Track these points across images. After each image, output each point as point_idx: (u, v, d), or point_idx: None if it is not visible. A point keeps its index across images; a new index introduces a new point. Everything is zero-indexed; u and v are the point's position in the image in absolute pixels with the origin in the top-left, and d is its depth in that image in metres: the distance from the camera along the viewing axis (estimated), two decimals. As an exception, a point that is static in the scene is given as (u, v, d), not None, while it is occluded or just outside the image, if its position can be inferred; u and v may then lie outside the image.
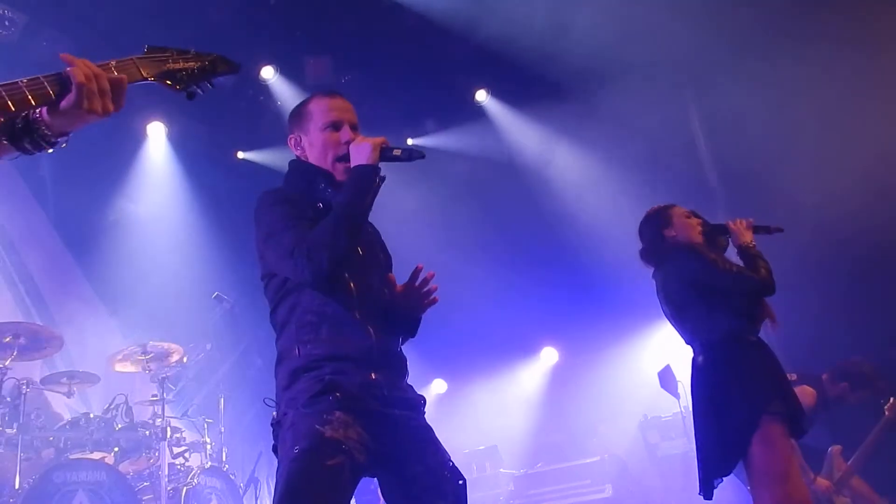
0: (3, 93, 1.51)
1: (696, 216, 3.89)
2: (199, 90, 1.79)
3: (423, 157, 2.41)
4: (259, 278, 2.54)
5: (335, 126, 2.54)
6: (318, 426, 2.19)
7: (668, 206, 3.90)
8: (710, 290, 3.59)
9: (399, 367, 2.47)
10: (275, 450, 2.33)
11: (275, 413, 2.37)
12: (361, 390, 2.29)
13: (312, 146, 2.57)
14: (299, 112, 2.64)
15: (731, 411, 3.43)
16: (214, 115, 7.98)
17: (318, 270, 2.28)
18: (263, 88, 8.10)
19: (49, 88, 1.56)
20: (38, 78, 1.56)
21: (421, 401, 2.47)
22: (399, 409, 2.36)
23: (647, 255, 3.88)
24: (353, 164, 2.43)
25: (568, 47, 7.38)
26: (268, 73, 7.99)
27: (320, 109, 2.58)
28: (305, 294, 2.39)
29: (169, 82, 1.73)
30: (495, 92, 8.58)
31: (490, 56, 7.89)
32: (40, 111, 1.63)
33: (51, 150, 1.69)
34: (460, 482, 2.37)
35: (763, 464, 3.32)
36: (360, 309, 2.40)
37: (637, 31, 6.98)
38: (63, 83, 1.57)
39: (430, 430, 2.43)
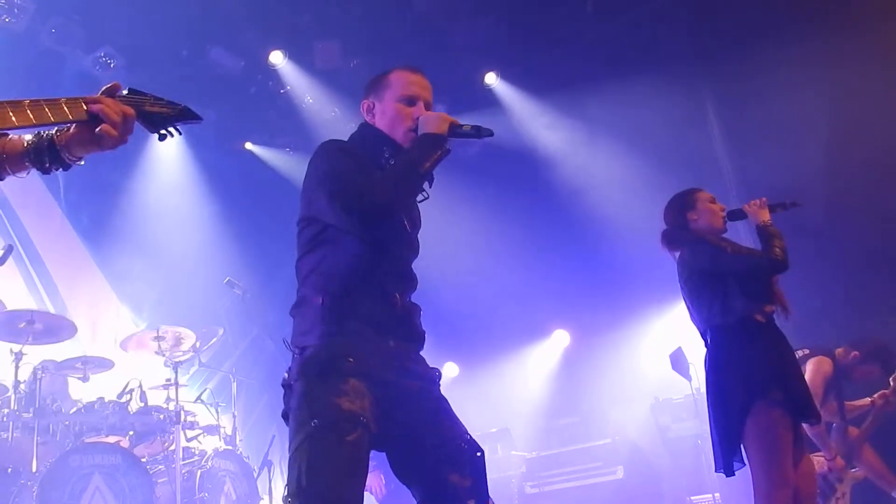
0: (26, 108, 1.68)
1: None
2: (169, 134, 1.98)
3: (491, 134, 2.38)
4: (295, 223, 2.50)
5: (411, 101, 2.53)
6: (335, 398, 2.16)
7: (693, 191, 3.89)
8: (719, 277, 3.59)
9: (417, 339, 2.45)
10: (284, 416, 2.30)
11: (286, 374, 2.33)
12: (376, 357, 2.27)
13: (384, 114, 2.55)
14: (378, 80, 2.62)
15: (729, 396, 3.48)
16: (224, 100, 7.98)
17: (368, 208, 2.29)
18: (272, 73, 8.09)
19: (68, 112, 1.75)
20: (58, 101, 1.74)
21: (436, 373, 2.45)
22: (415, 379, 2.35)
23: (667, 239, 3.86)
24: (420, 132, 2.43)
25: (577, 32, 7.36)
26: (276, 57, 7.97)
27: (400, 81, 2.57)
28: (343, 247, 2.36)
29: (146, 124, 1.93)
30: (505, 74, 8.53)
31: (500, 38, 7.84)
32: (60, 136, 1.83)
33: (65, 170, 1.92)
34: (478, 454, 2.33)
35: (757, 449, 3.37)
36: (391, 276, 2.40)
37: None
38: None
39: (445, 401, 2.40)
